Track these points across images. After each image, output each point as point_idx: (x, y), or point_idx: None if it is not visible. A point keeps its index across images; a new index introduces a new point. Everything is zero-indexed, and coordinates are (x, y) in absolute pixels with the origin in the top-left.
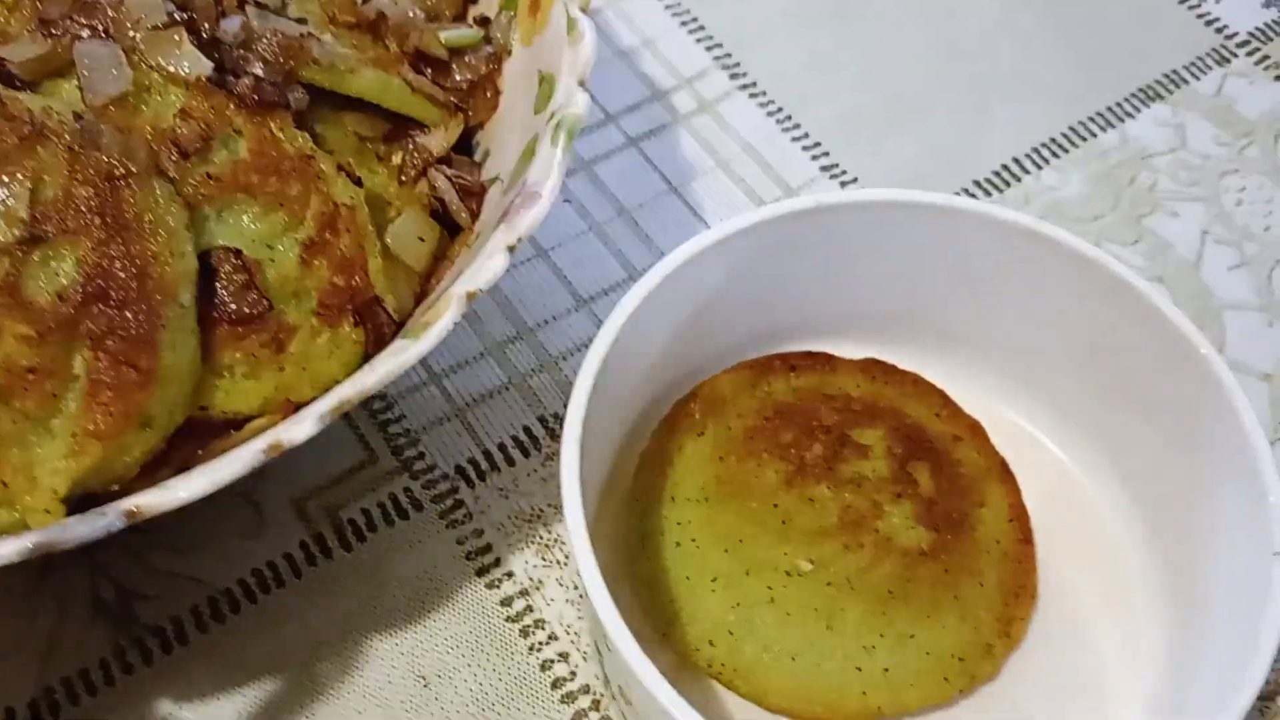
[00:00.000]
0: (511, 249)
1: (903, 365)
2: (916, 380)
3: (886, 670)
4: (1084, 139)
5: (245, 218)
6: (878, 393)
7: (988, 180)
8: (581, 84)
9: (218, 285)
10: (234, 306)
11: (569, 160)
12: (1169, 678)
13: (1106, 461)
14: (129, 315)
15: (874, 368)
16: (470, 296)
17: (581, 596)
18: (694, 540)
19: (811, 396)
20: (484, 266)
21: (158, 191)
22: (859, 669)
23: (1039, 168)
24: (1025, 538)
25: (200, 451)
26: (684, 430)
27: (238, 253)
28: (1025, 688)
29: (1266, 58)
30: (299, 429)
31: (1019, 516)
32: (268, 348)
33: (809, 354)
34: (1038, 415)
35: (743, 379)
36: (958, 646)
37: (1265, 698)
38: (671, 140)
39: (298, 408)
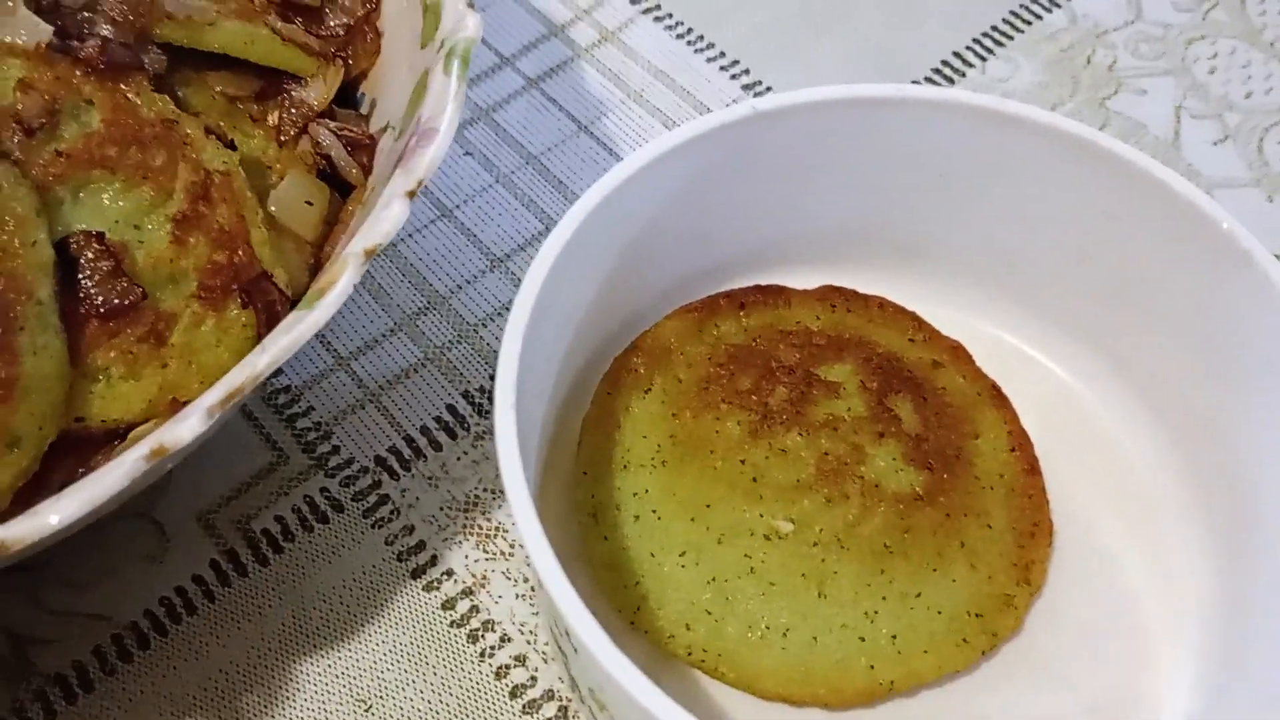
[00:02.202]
0: (411, 194)
1: (865, 289)
2: (883, 304)
3: (894, 638)
4: (1029, 22)
5: (106, 196)
6: (840, 323)
7: (928, 81)
8: (470, 4)
9: (81, 276)
10: (102, 298)
11: (465, 89)
12: (1219, 611)
13: (1111, 372)
14: None
15: (833, 295)
16: (369, 254)
17: (534, 589)
18: (654, 511)
19: (767, 335)
20: (381, 218)
21: (1, 176)
22: (862, 639)
23: (983, 60)
24: (1031, 468)
25: (81, 470)
26: (629, 388)
27: (100, 236)
28: (1055, 639)
29: None
30: (184, 427)
31: (1020, 445)
32: (146, 342)
33: (759, 288)
34: (1026, 328)
35: (688, 324)
36: (972, 601)
37: None
38: (575, 76)
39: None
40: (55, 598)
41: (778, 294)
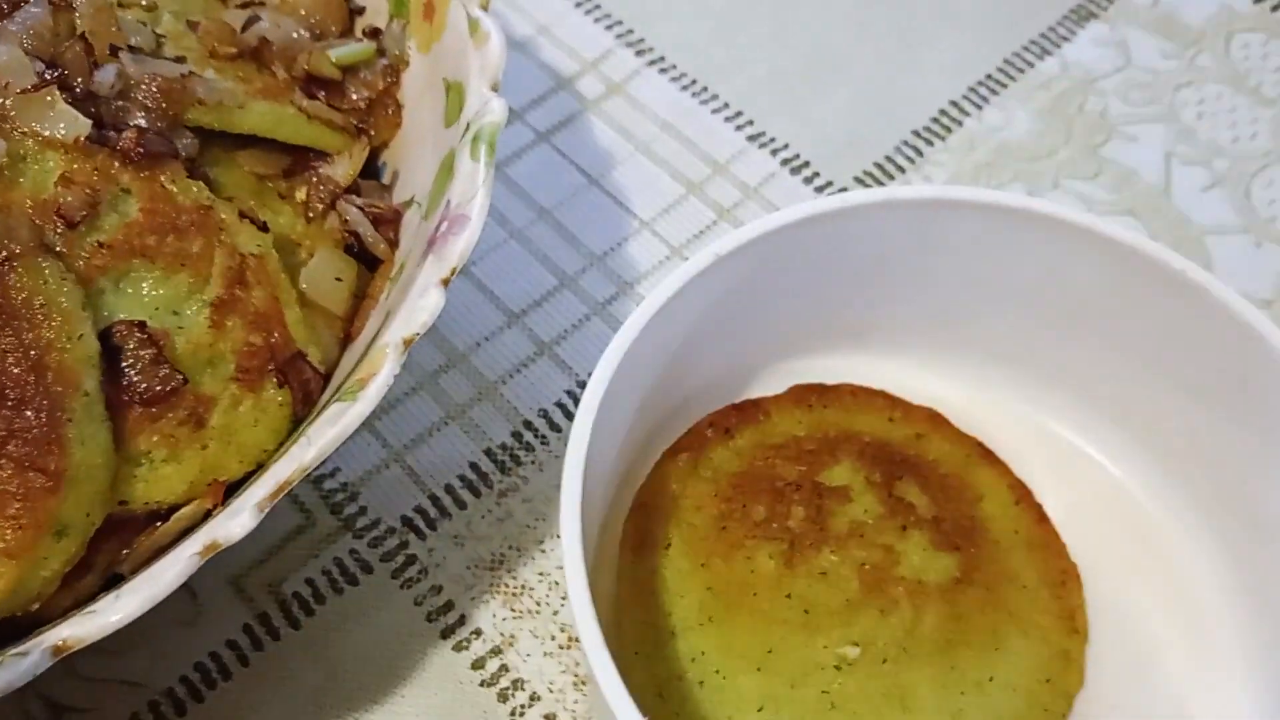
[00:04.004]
0: (446, 282)
1: (830, 379)
2: (853, 391)
3: None
4: (1022, 70)
5: (145, 285)
6: (822, 421)
7: (928, 130)
8: (494, 88)
9: (124, 365)
10: (144, 385)
11: (493, 174)
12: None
13: (1080, 404)
14: (29, 414)
15: (805, 394)
16: (407, 343)
17: (565, 646)
18: (717, 671)
19: (760, 454)
20: (417, 308)
21: (46, 271)
22: None
23: (979, 108)
24: (1039, 516)
25: (125, 551)
26: (648, 550)
27: (142, 325)
28: (1114, 686)
29: None
30: (235, 524)
31: (1022, 496)
32: (186, 425)
33: (735, 408)
34: (986, 381)
35: (682, 467)
36: (1038, 667)
37: None
38: (584, 129)
39: (227, 487)
40: (90, 665)
41: (755, 408)
